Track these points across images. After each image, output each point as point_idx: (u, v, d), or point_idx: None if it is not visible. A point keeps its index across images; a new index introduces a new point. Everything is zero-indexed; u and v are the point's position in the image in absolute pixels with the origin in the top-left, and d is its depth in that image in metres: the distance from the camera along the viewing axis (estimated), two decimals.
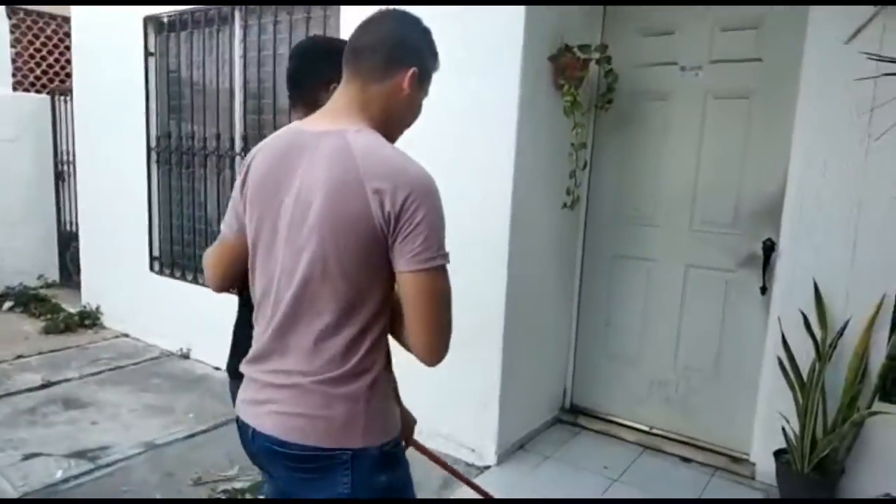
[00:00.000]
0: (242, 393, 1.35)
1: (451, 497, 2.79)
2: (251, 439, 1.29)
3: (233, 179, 4.15)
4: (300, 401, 1.22)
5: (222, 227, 1.43)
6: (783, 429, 2.75)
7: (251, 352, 1.32)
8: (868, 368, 2.71)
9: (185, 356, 4.45)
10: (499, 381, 3.03)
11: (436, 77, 1.40)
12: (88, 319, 5.04)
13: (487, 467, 3.06)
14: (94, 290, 5.19)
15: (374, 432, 1.23)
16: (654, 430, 3.39)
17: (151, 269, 4.67)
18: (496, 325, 3.00)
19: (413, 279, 1.17)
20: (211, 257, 1.47)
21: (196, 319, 4.36)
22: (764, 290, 3.01)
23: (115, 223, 4.88)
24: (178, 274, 4.53)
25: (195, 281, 4.41)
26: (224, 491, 2.78)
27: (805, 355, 2.75)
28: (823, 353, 2.69)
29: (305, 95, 1.57)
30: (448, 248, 1.22)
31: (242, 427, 1.32)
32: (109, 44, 4.67)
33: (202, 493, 2.77)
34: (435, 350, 1.21)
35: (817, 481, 2.71)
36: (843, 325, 2.68)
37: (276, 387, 1.25)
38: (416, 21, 1.32)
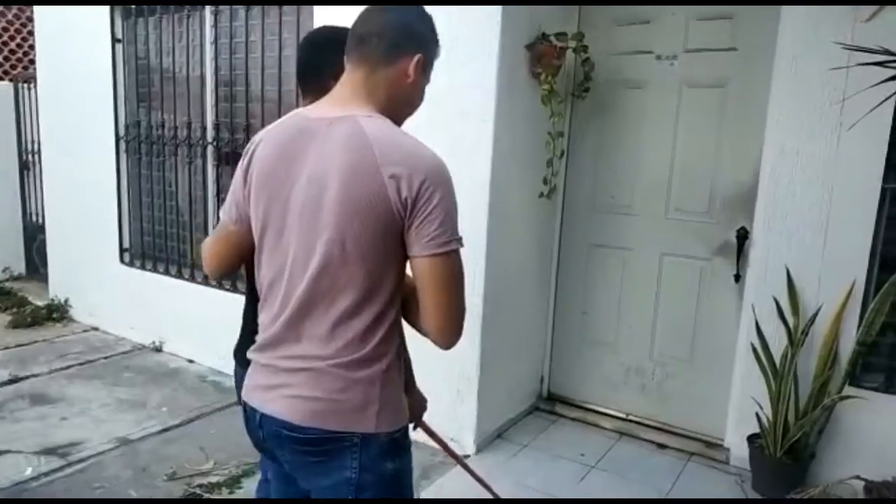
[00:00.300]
0: (250, 379, 1.35)
1: (431, 484, 2.79)
2: (259, 425, 1.30)
3: (205, 169, 4.07)
4: (316, 384, 1.22)
5: (221, 215, 1.42)
6: (757, 414, 2.80)
7: (261, 339, 1.32)
8: (839, 354, 2.76)
9: (158, 349, 4.37)
10: (477, 370, 3.03)
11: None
12: (57, 313, 4.92)
13: (466, 456, 3.06)
14: (62, 282, 5.07)
15: (385, 419, 1.24)
16: (631, 417, 3.42)
17: (122, 260, 4.58)
18: (474, 315, 2.99)
19: (429, 263, 1.19)
20: (209, 245, 1.46)
21: (169, 312, 4.28)
22: (738, 277, 3.05)
23: (84, 214, 4.76)
24: (149, 266, 4.44)
25: (167, 273, 4.33)
26: (200, 486, 2.74)
27: (778, 342, 2.79)
28: (795, 340, 2.73)
29: (316, 86, 1.56)
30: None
31: (250, 413, 1.33)
32: (75, 29, 4.54)
33: (177, 488, 2.72)
34: (450, 332, 1.23)
35: (789, 465, 2.76)
36: (815, 311, 2.73)
37: (291, 371, 1.26)
38: (419, 8, 1.33)
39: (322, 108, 1.28)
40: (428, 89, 1.41)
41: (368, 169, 1.16)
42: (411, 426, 1.44)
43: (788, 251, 2.84)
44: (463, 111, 2.92)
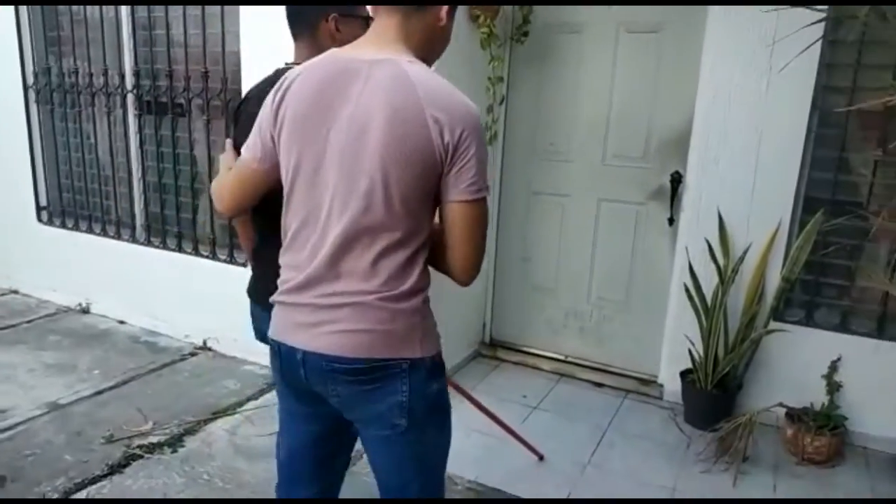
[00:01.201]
0: (284, 320, 1.36)
1: None
2: (300, 363, 1.33)
3: (126, 119, 3.84)
4: (363, 317, 1.27)
5: (243, 152, 1.39)
6: (689, 351, 2.93)
7: (294, 280, 1.32)
8: (765, 291, 2.90)
9: (86, 311, 4.18)
10: None
11: None
12: None
13: None
14: None
15: (428, 344, 1.34)
16: (570, 359, 3.52)
17: (39, 219, 4.30)
18: None
19: (463, 208, 1.25)
20: (227, 183, 1.45)
21: (95, 272, 4.08)
22: (671, 221, 3.13)
23: None
24: (71, 224, 4.20)
25: (92, 231, 4.11)
26: (140, 447, 2.67)
27: (709, 281, 2.91)
28: (726, 279, 2.85)
29: (307, 29, 1.60)
30: None
31: (286, 352, 1.35)
32: None
33: (116, 450, 2.64)
34: (474, 271, 1.34)
35: (718, 397, 2.92)
36: (744, 251, 2.84)
37: (334, 307, 1.29)
38: None
39: (360, 50, 1.29)
40: None
41: (414, 112, 1.18)
42: None
43: (720, 194, 2.93)
44: None
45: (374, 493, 1.49)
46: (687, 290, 2.94)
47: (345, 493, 1.66)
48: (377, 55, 1.25)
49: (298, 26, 1.63)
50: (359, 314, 1.27)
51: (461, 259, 1.31)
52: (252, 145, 1.36)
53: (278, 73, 1.62)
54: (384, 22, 1.29)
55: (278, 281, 1.37)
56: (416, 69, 1.22)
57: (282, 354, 1.37)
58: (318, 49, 1.55)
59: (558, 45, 3.29)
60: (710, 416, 2.88)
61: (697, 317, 2.93)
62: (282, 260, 1.37)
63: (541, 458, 2.66)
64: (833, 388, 2.81)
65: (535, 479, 2.52)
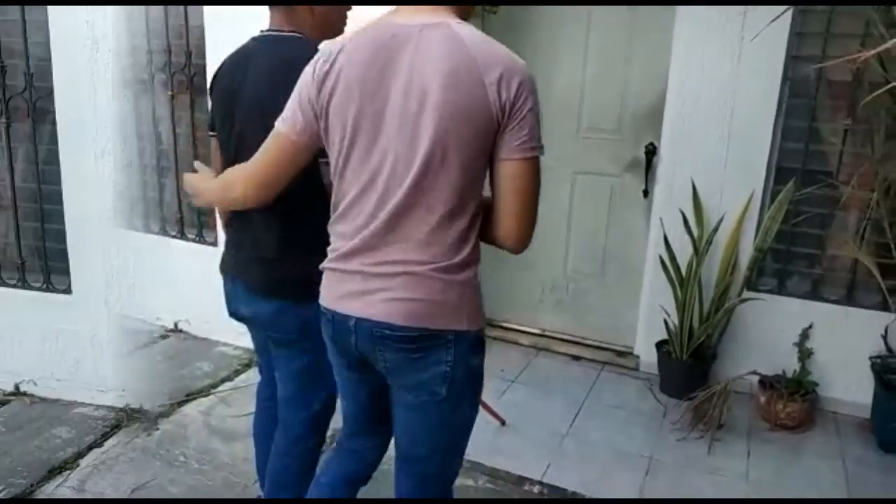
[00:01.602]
0: (337, 288, 1.38)
1: None
2: (353, 329, 1.35)
3: None
4: (416, 287, 1.29)
5: (279, 126, 1.36)
6: (665, 321, 2.95)
7: (344, 247, 1.34)
8: (738, 261, 2.93)
9: None
10: None
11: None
12: None
13: None
14: None
15: (475, 318, 1.36)
16: (547, 333, 3.54)
17: None
18: None
19: (518, 166, 1.25)
20: (253, 170, 1.42)
21: None
22: (646, 192, 3.14)
23: None
24: None
25: None
26: (116, 427, 2.61)
27: (684, 252, 2.92)
28: (700, 249, 2.87)
29: None
30: None
31: (340, 319, 1.37)
32: None
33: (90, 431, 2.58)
34: (526, 237, 1.33)
35: (693, 366, 2.96)
36: (718, 221, 2.86)
37: (387, 276, 1.31)
38: None
39: (407, 16, 1.28)
40: None
41: (470, 73, 1.19)
42: None
43: (693, 165, 2.94)
44: None
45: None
46: (662, 261, 2.95)
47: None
48: (427, 20, 1.25)
49: None
50: (412, 284, 1.29)
51: (515, 224, 1.30)
52: (290, 117, 1.34)
53: (255, 42, 1.64)
54: None
55: (328, 249, 1.39)
56: (466, 30, 1.24)
57: (334, 323, 1.39)
58: (295, 17, 1.58)
59: (531, 17, 3.25)
60: (686, 386, 2.92)
61: (672, 288, 2.95)
62: (334, 228, 1.38)
63: (503, 423, 2.69)
64: (804, 354, 2.86)
65: (513, 451, 2.53)
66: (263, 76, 1.54)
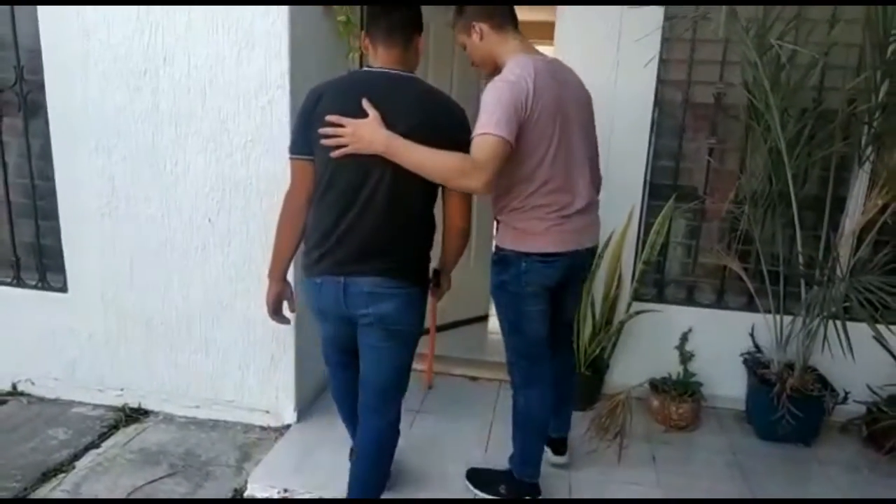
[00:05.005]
0: (573, 235, 2.08)
1: (257, 465, 2.52)
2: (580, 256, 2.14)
3: None
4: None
5: (502, 133, 1.78)
6: None
7: (578, 205, 2.06)
8: (622, 274, 3.07)
9: None
10: (292, 327, 2.75)
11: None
12: None
13: (287, 427, 2.83)
14: None
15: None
16: (443, 356, 3.46)
17: None
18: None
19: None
20: (498, 159, 1.78)
21: None
22: None
23: None
24: None
25: None
26: None
27: None
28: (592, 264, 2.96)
29: (403, 42, 1.86)
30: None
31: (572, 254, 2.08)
32: None
33: None
34: None
35: (591, 378, 3.05)
36: (609, 237, 2.98)
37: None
38: None
39: (536, 53, 2.02)
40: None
41: (585, 90, 2.16)
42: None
43: None
44: (253, 54, 2.54)
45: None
46: None
47: None
48: (545, 55, 2.04)
49: (396, 37, 1.84)
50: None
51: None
52: (508, 127, 1.79)
53: (355, 75, 2.15)
54: (520, 33, 2.05)
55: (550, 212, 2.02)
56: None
57: (571, 255, 2.09)
58: (406, 60, 1.87)
59: None
60: (585, 398, 3.01)
61: None
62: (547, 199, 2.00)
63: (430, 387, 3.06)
64: (685, 357, 3.07)
65: (433, 485, 2.43)
66: (418, 107, 1.79)
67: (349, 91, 1.79)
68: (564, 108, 1.95)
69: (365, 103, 1.74)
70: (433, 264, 2.03)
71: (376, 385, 1.96)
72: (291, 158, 1.89)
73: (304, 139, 1.84)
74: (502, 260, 2.09)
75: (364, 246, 1.80)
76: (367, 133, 1.71)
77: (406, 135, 1.72)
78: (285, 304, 2.12)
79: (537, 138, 1.89)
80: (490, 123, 1.76)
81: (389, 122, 1.73)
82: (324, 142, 1.76)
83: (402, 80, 1.83)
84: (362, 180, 1.77)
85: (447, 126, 1.80)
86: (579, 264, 2.14)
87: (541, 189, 1.96)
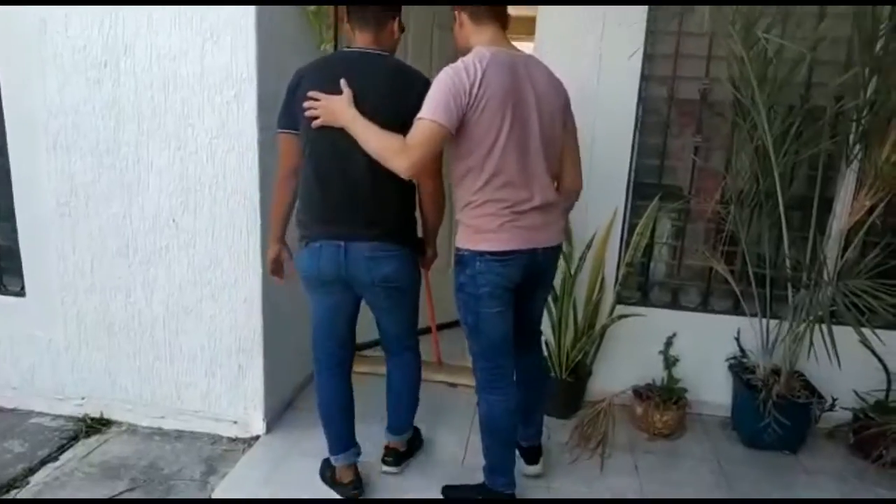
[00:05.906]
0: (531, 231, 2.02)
1: (223, 478, 2.39)
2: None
3: None
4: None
5: (439, 118, 1.80)
6: (545, 341, 2.90)
7: (535, 202, 1.99)
8: (605, 277, 2.98)
9: None
10: (260, 334, 2.65)
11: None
12: None
13: (256, 438, 2.70)
14: None
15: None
16: (423, 360, 3.35)
17: None
18: (253, 275, 2.59)
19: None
20: (429, 144, 1.82)
21: None
22: None
23: None
24: None
25: None
26: None
27: (558, 272, 2.90)
28: (573, 267, 2.87)
29: (376, 25, 2.03)
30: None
31: (529, 252, 2.02)
32: None
33: None
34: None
35: (573, 384, 2.96)
36: (591, 238, 2.89)
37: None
38: None
39: (506, 48, 1.98)
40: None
41: (559, 87, 2.09)
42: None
43: None
44: (215, 33, 2.42)
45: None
46: None
47: None
48: (519, 52, 1.99)
49: (369, 21, 2.02)
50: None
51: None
52: (446, 113, 1.80)
53: (333, 56, 2.36)
54: (502, 30, 2.01)
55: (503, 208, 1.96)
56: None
57: (529, 253, 2.03)
58: (380, 40, 2.04)
59: None
60: (567, 405, 2.92)
61: (547, 307, 2.92)
62: (499, 194, 1.95)
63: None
64: (670, 362, 2.98)
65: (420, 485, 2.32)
66: (385, 81, 1.98)
67: (328, 69, 2.01)
68: (521, 100, 1.91)
69: (342, 83, 1.92)
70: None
71: (399, 332, 2.31)
72: (278, 132, 2.10)
73: (289, 114, 2.05)
74: (460, 261, 2.04)
75: (354, 211, 2.01)
76: (336, 108, 1.91)
77: (376, 107, 1.90)
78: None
79: (485, 128, 1.87)
80: (428, 109, 1.82)
81: (361, 97, 1.91)
82: (305, 114, 1.95)
83: (375, 58, 2.02)
84: (334, 149, 1.97)
85: (412, 100, 1.90)
86: (541, 264, 2.07)
87: (492, 181, 1.92)
